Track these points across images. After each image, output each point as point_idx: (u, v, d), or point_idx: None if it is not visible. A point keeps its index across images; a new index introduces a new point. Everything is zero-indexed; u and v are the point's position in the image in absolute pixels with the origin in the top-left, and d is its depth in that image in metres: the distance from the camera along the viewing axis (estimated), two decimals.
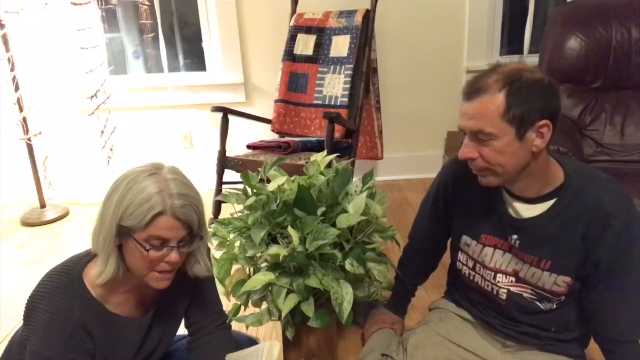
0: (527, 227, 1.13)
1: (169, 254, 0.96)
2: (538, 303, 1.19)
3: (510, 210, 1.15)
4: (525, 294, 1.20)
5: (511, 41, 3.01)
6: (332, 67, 2.47)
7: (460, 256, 1.32)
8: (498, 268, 1.21)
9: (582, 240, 1.08)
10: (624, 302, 1.10)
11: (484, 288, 1.28)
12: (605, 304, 1.12)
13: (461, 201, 1.27)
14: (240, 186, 1.58)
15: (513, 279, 1.20)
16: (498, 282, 1.22)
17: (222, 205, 2.26)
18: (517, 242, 1.15)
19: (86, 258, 1.02)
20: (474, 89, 1.02)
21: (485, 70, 1.05)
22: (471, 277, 1.31)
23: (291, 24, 2.61)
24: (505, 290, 1.22)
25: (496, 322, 1.29)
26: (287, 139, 2.45)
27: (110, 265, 0.96)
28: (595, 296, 1.13)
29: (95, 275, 0.98)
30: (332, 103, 2.44)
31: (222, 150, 2.27)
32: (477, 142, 1.04)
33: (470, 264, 1.29)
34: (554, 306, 1.18)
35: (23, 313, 0.98)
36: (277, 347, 1.16)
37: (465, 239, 1.27)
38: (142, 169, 0.96)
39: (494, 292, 1.24)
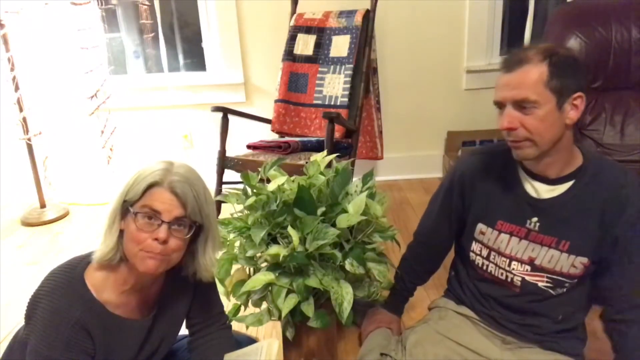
0: (548, 208, 1.16)
1: (158, 229, 0.95)
2: (551, 291, 1.21)
3: (531, 191, 1.18)
4: (540, 284, 1.21)
5: (511, 41, 3.01)
6: (332, 67, 2.47)
7: (474, 246, 1.32)
8: (514, 255, 1.22)
9: (601, 220, 1.12)
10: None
11: (497, 277, 1.27)
12: (621, 284, 1.14)
13: (478, 190, 1.28)
14: (240, 186, 1.58)
15: (528, 267, 1.21)
16: (513, 269, 1.23)
17: (222, 205, 2.27)
18: (537, 224, 1.17)
19: (88, 259, 1.02)
20: (515, 60, 1.07)
21: (520, 48, 1.10)
22: (484, 267, 1.30)
23: (291, 24, 2.61)
24: (520, 279, 1.23)
25: (500, 315, 1.30)
26: (287, 139, 2.45)
27: (109, 239, 0.98)
28: (611, 276, 1.15)
29: (95, 263, 0.99)
30: (332, 103, 2.44)
31: (222, 150, 2.28)
32: (519, 112, 1.07)
33: (485, 252, 1.29)
34: (564, 290, 1.20)
35: (25, 312, 0.98)
36: (276, 345, 1.15)
37: (481, 227, 1.28)
38: (160, 160, 1.02)
39: (509, 279, 1.25)
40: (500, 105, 1.10)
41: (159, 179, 0.96)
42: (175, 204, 0.96)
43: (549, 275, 1.20)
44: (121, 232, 0.99)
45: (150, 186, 0.96)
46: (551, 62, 1.04)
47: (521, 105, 1.06)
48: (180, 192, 0.96)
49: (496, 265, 1.27)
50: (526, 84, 1.05)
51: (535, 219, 1.18)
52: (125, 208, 0.98)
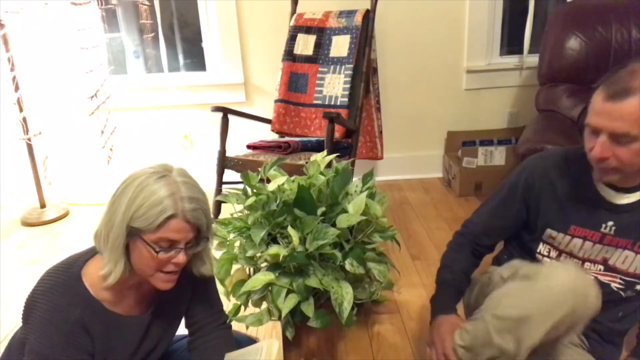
0: (625, 212, 1.14)
1: (177, 255, 0.97)
2: (622, 293, 1.20)
3: (607, 196, 1.16)
4: (613, 284, 1.19)
5: (511, 41, 3.01)
6: (332, 67, 2.47)
7: (542, 247, 1.26)
8: (587, 257, 1.20)
9: None
10: None
11: None
12: None
13: (547, 196, 1.23)
14: (240, 186, 1.58)
15: (601, 267, 1.19)
16: (585, 269, 1.20)
17: (222, 205, 2.27)
18: (613, 228, 1.15)
19: (84, 257, 1.02)
20: (622, 90, 0.99)
21: (619, 69, 1.03)
22: None
23: (291, 24, 2.62)
24: (592, 278, 1.18)
25: None
26: (287, 139, 2.45)
27: (120, 266, 0.97)
28: None
29: (101, 276, 0.98)
30: (332, 103, 2.44)
31: (222, 150, 2.28)
32: (615, 143, 1.02)
33: (554, 254, 1.25)
34: (635, 293, 1.20)
35: (22, 312, 0.98)
36: (276, 345, 1.15)
37: (550, 232, 1.23)
38: (151, 170, 0.97)
39: None
40: (594, 130, 1.04)
41: (173, 211, 0.93)
42: (189, 229, 0.96)
43: (622, 277, 1.19)
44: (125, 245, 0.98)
45: (166, 219, 0.93)
46: None
47: (618, 138, 1.01)
48: (194, 220, 0.96)
49: None
50: (630, 119, 0.98)
51: (611, 223, 1.16)
52: (132, 232, 0.95)
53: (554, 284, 1.03)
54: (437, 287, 1.35)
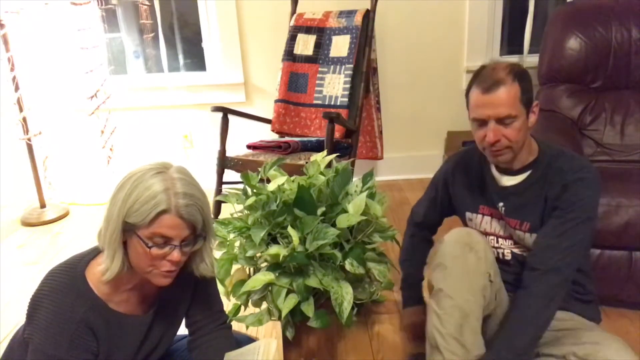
0: (509, 194, 1.33)
1: (171, 252, 0.97)
2: None
3: (497, 181, 1.35)
4: (525, 254, 1.33)
5: (511, 41, 3.01)
6: (332, 67, 2.47)
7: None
8: (497, 233, 1.37)
9: (545, 201, 1.28)
10: (557, 237, 1.23)
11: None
12: (543, 246, 1.25)
13: (462, 184, 1.44)
14: (240, 186, 1.58)
15: (511, 241, 1.36)
16: (501, 245, 1.37)
17: (222, 205, 2.27)
18: (503, 208, 1.33)
19: (89, 256, 1.02)
20: (493, 83, 1.21)
21: (485, 67, 1.26)
22: None
23: (291, 24, 2.62)
24: (509, 252, 1.36)
25: (510, 277, 1.35)
26: (287, 139, 2.45)
27: (117, 261, 0.97)
28: (539, 236, 1.27)
29: (100, 272, 0.98)
30: (332, 103, 2.44)
31: (222, 150, 2.28)
32: (502, 126, 1.22)
33: None
34: None
35: (26, 312, 0.98)
36: (274, 344, 1.15)
37: (469, 215, 1.43)
38: (149, 167, 0.97)
39: (501, 255, 1.37)
40: (481, 122, 1.24)
41: (166, 206, 0.93)
42: (184, 226, 0.96)
43: (528, 248, 1.31)
44: (123, 242, 0.98)
45: (158, 213, 0.93)
46: (521, 80, 1.21)
47: (503, 121, 1.21)
48: (188, 216, 0.95)
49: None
50: (507, 103, 1.20)
51: (501, 204, 1.34)
52: (128, 228, 0.95)
53: (445, 246, 1.30)
54: (403, 279, 1.60)
